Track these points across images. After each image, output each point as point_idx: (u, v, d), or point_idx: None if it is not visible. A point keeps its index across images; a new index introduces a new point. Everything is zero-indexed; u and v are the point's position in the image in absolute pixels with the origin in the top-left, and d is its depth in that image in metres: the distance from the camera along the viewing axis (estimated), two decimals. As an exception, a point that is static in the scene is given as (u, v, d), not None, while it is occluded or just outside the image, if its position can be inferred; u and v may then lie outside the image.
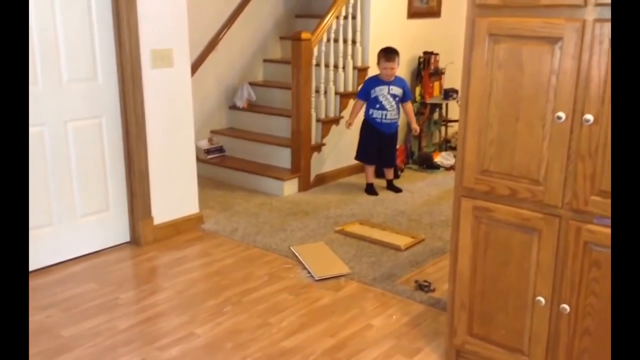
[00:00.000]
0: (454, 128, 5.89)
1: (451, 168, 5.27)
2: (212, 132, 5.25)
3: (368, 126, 4.53)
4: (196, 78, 4.87)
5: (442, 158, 5.29)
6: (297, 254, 3.46)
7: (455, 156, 5.41)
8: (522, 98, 1.99)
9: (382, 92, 4.45)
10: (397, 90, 4.48)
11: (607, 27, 1.78)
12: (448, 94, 5.47)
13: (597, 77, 1.82)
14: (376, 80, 4.49)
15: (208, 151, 5.08)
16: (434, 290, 3.04)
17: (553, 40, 1.89)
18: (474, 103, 2.11)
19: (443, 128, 5.79)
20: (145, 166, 3.58)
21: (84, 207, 3.42)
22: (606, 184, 1.86)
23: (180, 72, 3.68)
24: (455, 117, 5.75)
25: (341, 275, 3.22)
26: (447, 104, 5.63)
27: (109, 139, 3.47)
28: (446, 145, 5.74)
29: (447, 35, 5.80)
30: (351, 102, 4.95)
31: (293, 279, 3.20)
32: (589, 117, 1.85)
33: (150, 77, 3.52)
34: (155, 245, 3.65)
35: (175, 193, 3.79)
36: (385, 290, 3.05)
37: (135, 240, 3.65)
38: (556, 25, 1.88)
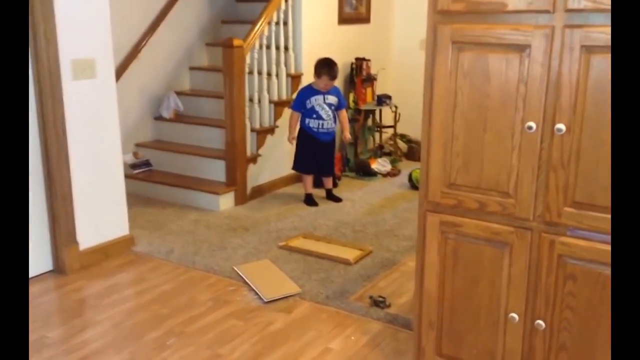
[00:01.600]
0: (387, 134, 5.87)
1: (388, 174, 5.23)
2: (137, 145, 4.92)
3: (305, 135, 4.39)
4: (118, 88, 4.50)
5: (379, 165, 5.23)
6: (241, 274, 3.25)
7: (391, 162, 5.43)
8: (490, 108, 1.91)
9: (318, 102, 4.32)
10: (332, 99, 4.37)
11: (578, 34, 1.72)
12: (381, 99, 5.43)
13: (569, 85, 1.76)
14: (311, 90, 4.36)
15: (134, 166, 4.75)
16: (389, 306, 2.92)
17: (521, 47, 1.82)
18: (438, 114, 2.01)
19: (377, 134, 5.74)
20: (68, 187, 3.26)
21: (-1, 236, 3.05)
22: (580, 194, 1.80)
23: (104, 83, 3.38)
24: (389, 123, 5.73)
25: (291, 295, 3.04)
26: (380, 110, 5.59)
27: (26, 158, 3.12)
28: (381, 151, 5.70)
29: (377, 41, 5.77)
30: (286, 111, 4.79)
31: (240, 302, 3.00)
32: (561, 126, 1.79)
33: (72, 90, 3.20)
34: (83, 273, 3.32)
35: (102, 214, 3.47)
36: (339, 309, 2.91)
37: (59, 269, 3.31)
38: (524, 32, 1.80)
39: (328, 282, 3.17)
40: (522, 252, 1.94)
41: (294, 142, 4.40)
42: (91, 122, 3.34)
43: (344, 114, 4.51)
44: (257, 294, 3.06)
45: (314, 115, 4.33)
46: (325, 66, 4.30)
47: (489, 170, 1.95)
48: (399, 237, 3.82)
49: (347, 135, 4.50)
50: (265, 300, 2.99)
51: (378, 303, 2.93)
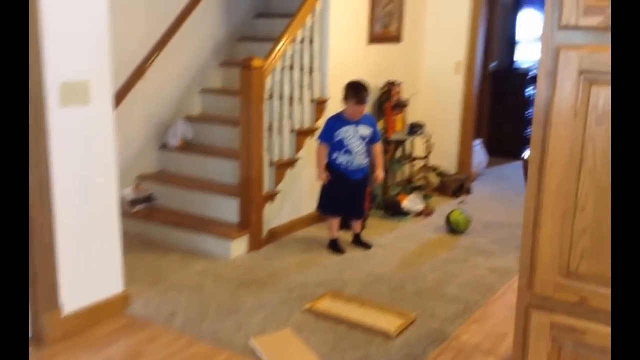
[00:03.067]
0: (416, 166, 5.27)
1: (420, 214, 4.62)
2: (139, 177, 4.34)
3: (332, 172, 3.77)
4: (119, 113, 3.95)
5: (410, 202, 4.62)
6: (258, 351, 2.63)
7: (423, 198, 4.83)
8: (639, 169, 1.31)
9: (349, 134, 3.71)
10: (365, 131, 3.76)
11: None
12: (413, 128, 4.85)
13: None
14: (340, 120, 3.75)
15: (134, 202, 4.16)
16: (448, 402, 2.30)
17: (696, 83, 1.23)
18: (554, 173, 1.41)
19: (405, 167, 5.14)
20: (50, 238, 2.66)
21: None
22: None
23: (99, 110, 2.80)
24: (419, 154, 5.14)
25: (322, 382, 2.42)
26: (412, 141, 5.00)
27: None
28: (410, 186, 5.10)
29: (408, 63, 5.20)
30: (308, 141, 4.20)
31: (257, 391, 2.38)
32: None
33: (59, 119, 2.62)
34: (65, 343, 2.71)
35: (91, 269, 2.87)
36: (384, 405, 2.29)
37: (37, 337, 2.70)
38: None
39: (366, 364, 2.55)
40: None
41: (326, 179, 3.77)
42: (82, 157, 2.76)
43: (379, 149, 3.89)
44: (278, 378, 2.44)
45: (343, 149, 3.72)
46: (352, 88, 3.71)
47: (634, 259, 1.34)
48: (444, 298, 3.19)
49: (381, 175, 3.87)
50: (290, 389, 2.37)
51: (434, 398, 2.30)
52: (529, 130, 6.84)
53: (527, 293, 1.51)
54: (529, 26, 7.14)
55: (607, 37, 1.30)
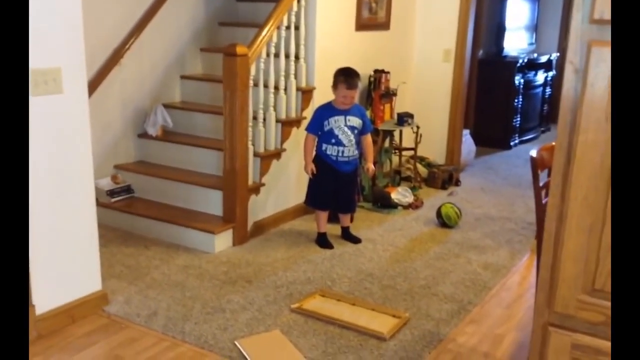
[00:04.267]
0: (404, 157, 5.15)
1: (409, 206, 4.51)
2: (117, 167, 4.14)
3: (321, 164, 3.62)
4: (94, 100, 3.77)
5: (399, 194, 4.49)
6: (245, 354, 2.50)
7: (412, 190, 4.70)
8: (677, 179, 1.19)
9: (339, 124, 3.56)
10: (355, 121, 3.61)
11: None
12: (402, 118, 4.70)
13: None
14: (330, 109, 3.60)
15: (112, 192, 3.97)
16: (446, 411, 2.19)
17: None
18: (580, 182, 1.29)
19: (393, 157, 5.01)
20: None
21: None
22: None
23: (72, 99, 2.62)
24: (408, 144, 5.01)
25: (313, 389, 2.30)
26: (401, 131, 4.86)
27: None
28: (399, 177, 4.97)
29: (397, 51, 5.05)
30: (295, 132, 4.05)
31: (245, 399, 2.25)
32: None
33: (31, 109, 2.43)
34: (40, 345, 2.55)
35: (66, 265, 2.71)
36: (380, 415, 2.17)
37: (7, 341, 2.53)
38: None
39: (360, 369, 2.43)
40: None
41: (314, 171, 3.62)
42: (54, 148, 2.57)
43: (369, 140, 3.74)
44: (267, 385, 2.31)
45: (333, 140, 3.57)
46: (343, 73, 3.55)
47: (668, 277, 1.22)
48: (438, 296, 3.08)
49: (371, 167, 3.73)
50: (280, 398, 2.24)
51: (432, 407, 2.19)
52: (517, 119, 6.79)
53: (545, 311, 1.39)
54: (517, 13, 7.03)
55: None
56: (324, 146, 3.59)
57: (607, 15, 1.20)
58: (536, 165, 1.97)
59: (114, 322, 2.78)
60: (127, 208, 3.90)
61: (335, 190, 3.66)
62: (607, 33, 1.22)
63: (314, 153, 3.64)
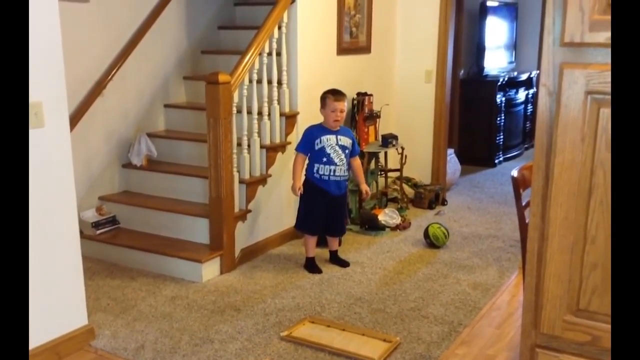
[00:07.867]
0: (390, 178, 5.16)
1: (397, 227, 4.51)
2: (102, 198, 4.11)
3: (312, 187, 3.61)
4: (78, 131, 3.77)
5: (387, 216, 4.50)
6: (235, 385, 2.46)
7: (399, 211, 4.69)
8: (655, 197, 1.20)
9: (330, 143, 3.57)
10: (346, 141, 3.63)
11: None
12: (387, 140, 4.73)
13: None
14: (321, 129, 3.61)
15: (97, 224, 3.93)
16: None
17: None
18: (560, 202, 1.30)
19: (380, 179, 5.02)
20: (4, 272, 2.44)
21: None
22: None
23: (54, 133, 2.60)
24: (393, 166, 5.03)
25: (305, 419, 2.26)
26: (386, 152, 4.88)
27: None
28: (386, 198, 4.98)
29: (379, 74, 5.10)
30: (280, 157, 4.05)
31: None
32: None
33: (8, 143, 2.41)
34: (23, 386, 2.49)
35: (51, 301, 2.66)
36: None
37: (-10, 381, 2.47)
38: None
39: (352, 396, 2.40)
40: None
41: (300, 193, 3.61)
42: (36, 183, 2.55)
43: (358, 163, 3.76)
44: (258, 417, 2.27)
45: (324, 159, 3.56)
46: (329, 91, 3.61)
47: (651, 295, 1.23)
48: (429, 318, 3.07)
49: (366, 188, 3.73)
50: None
51: None
52: (500, 137, 6.85)
53: (532, 332, 1.38)
54: (496, 33, 7.14)
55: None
56: (316, 166, 3.58)
57: (578, 38, 1.22)
58: (517, 184, 1.98)
59: (101, 357, 2.73)
60: (113, 239, 3.87)
61: (326, 214, 3.65)
62: (578, 55, 1.24)
63: (304, 178, 3.63)
